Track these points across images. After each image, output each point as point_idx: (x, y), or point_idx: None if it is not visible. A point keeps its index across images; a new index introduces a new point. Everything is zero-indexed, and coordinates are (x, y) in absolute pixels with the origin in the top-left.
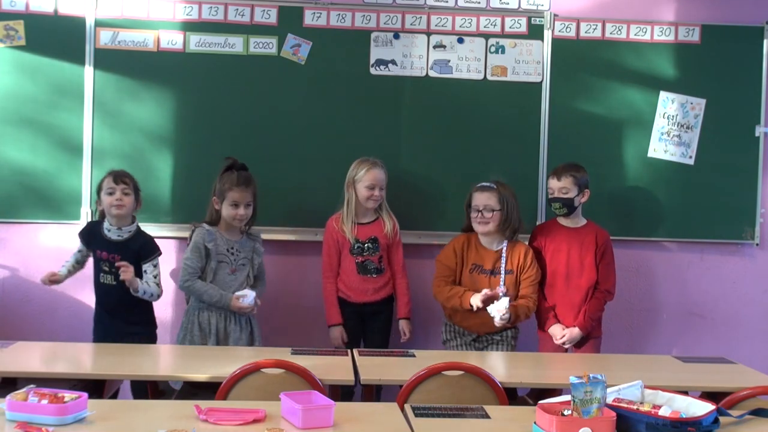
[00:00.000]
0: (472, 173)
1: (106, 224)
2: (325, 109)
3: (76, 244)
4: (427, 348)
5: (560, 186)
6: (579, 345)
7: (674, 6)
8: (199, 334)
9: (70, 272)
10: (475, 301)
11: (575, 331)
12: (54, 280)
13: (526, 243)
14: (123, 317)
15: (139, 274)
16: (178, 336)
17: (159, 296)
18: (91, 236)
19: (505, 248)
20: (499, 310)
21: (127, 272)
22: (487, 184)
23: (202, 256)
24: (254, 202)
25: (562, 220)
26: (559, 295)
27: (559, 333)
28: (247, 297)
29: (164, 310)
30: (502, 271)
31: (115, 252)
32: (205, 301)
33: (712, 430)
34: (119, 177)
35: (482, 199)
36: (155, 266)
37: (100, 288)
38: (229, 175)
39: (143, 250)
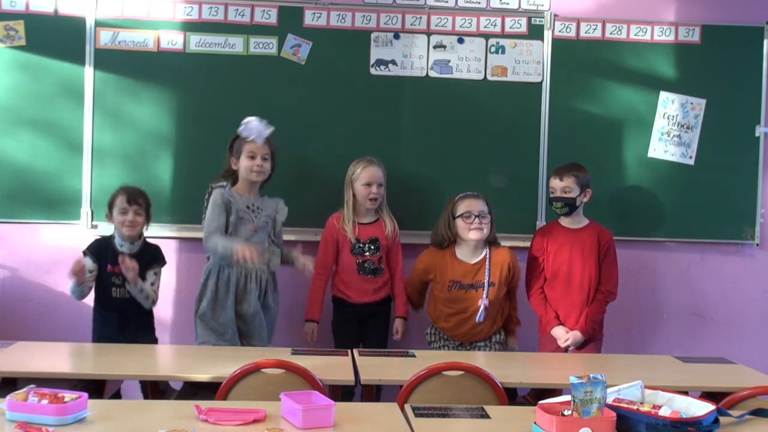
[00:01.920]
0: (472, 173)
1: (118, 240)
2: (325, 109)
3: (74, 243)
4: (423, 348)
5: (563, 185)
6: (580, 347)
7: (674, 6)
8: (214, 291)
9: (91, 271)
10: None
11: (578, 334)
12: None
13: (507, 246)
14: (133, 331)
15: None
16: (196, 297)
17: (154, 303)
18: (102, 252)
19: (488, 257)
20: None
21: (125, 262)
22: (473, 192)
23: (222, 212)
24: (273, 161)
25: (564, 222)
26: (561, 297)
27: (563, 335)
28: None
29: (165, 311)
30: (486, 284)
31: None
32: (220, 255)
33: (712, 430)
34: (132, 197)
35: (478, 205)
36: (156, 275)
37: (111, 303)
38: None
39: (150, 259)
